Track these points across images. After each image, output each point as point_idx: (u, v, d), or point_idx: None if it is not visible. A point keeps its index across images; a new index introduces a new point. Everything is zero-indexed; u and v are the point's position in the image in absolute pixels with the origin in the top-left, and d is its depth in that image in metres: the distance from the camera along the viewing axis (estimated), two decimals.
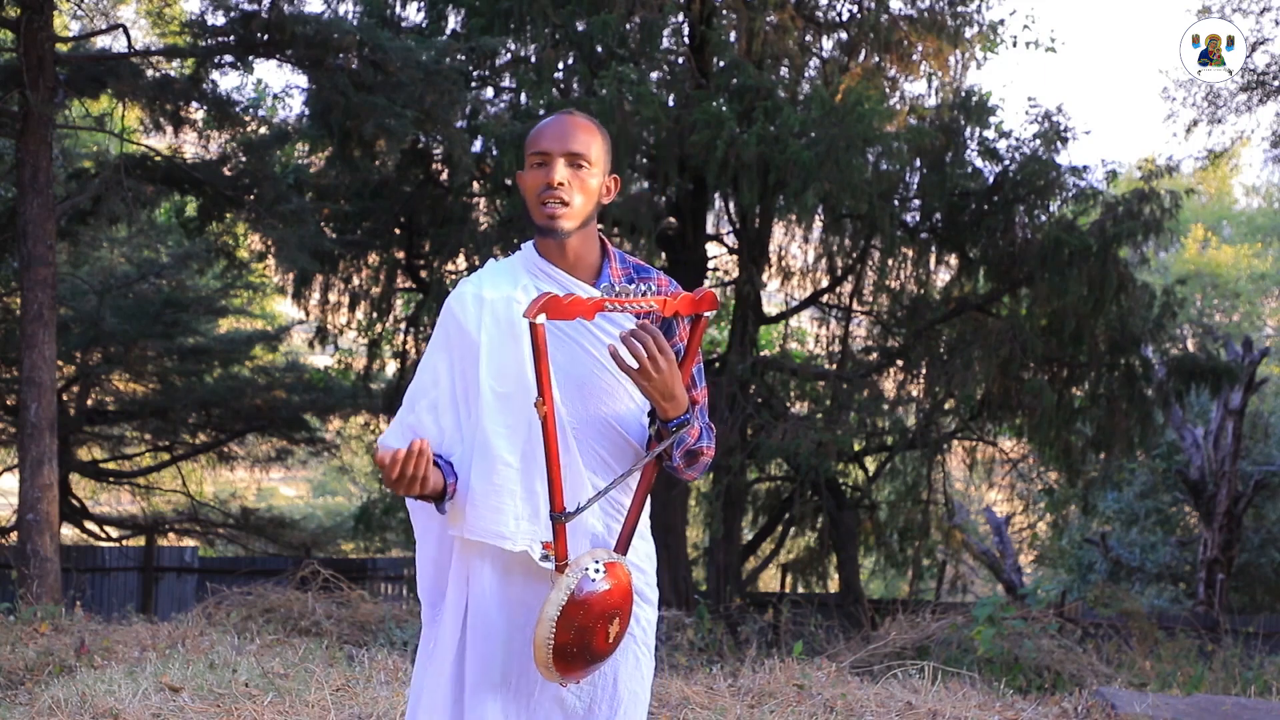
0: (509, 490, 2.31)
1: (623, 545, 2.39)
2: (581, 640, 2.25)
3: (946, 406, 13.22)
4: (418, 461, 2.21)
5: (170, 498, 16.53)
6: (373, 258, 13.19)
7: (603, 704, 2.44)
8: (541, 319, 2.21)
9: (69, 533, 14.73)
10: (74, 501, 14.47)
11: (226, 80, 28.41)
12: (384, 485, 2.27)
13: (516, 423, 2.32)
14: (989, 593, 18.06)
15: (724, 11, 11.92)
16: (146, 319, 13.20)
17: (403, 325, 14.12)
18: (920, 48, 12.36)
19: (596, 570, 2.28)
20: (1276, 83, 13.85)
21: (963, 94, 12.46)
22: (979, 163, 12.53)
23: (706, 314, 2.41)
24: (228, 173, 10.50)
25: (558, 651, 2.24)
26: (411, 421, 2.40)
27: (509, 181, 11.41)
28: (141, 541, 14.12)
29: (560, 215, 2.37)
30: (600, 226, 2.50)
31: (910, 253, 13.08)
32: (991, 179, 12.42)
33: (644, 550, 2.49)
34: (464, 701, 2.38)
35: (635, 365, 2.26)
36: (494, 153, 11.32)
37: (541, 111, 11.17)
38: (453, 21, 12.15)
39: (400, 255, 13.24)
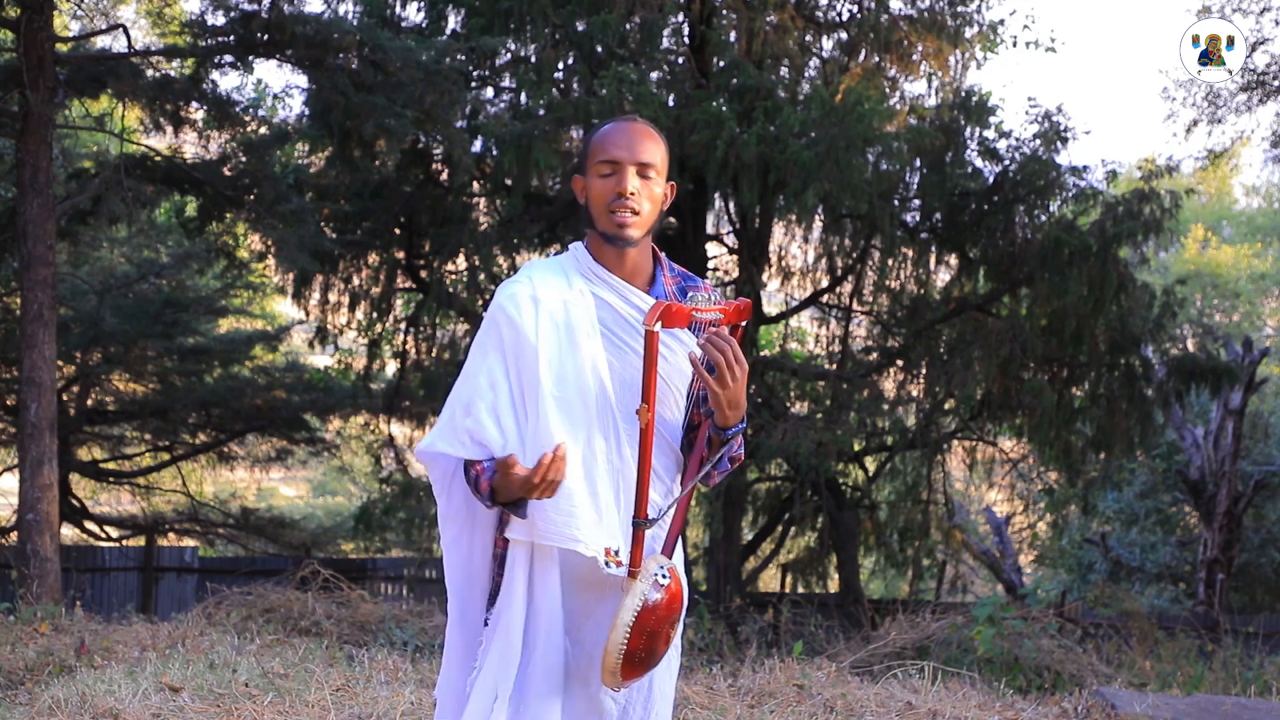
0: (579, 495, 2.32)
1: (669, 549, 2.41)
2: (650, 645, 2.27)
3: (946, 406, 13.21)
4: (560, 466, 2.23)
5: (170, 498, 16.53)
6: (373, 258, 13.18)
7: (637, 705, 2.45)
8: (658, 327, 2.24)
9: (69, 533, 14.73)
10: (74, 501, 14.46)
11: (226, 80, 28.45)
12: (517, 488, 2.25)
13: (575, 427, 2.33)
14: (989, 593, 18.05)
15: (724, 11, 11.92)
16: (146, 319, 13.20)
17: (403, 325, 14.12)
18: (920, 48, 12.35)
19: (663, 576, 2.30)
20: (1276, 83, 13.84)
21: (963, 94, 12.45)
22: (979, 163, 12.52)
23: (744, 323, 2.45)
24: (228, 173, 10.50)
25: (628, 657, 2.25)
26: (470, 426, 2.36)
27: (509, 181, 11.40)
28: (141, 541, 14.13)
29: (630, 224, 2.40)
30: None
31: (910, 253, 13.07)
32: (991, 179, 12.41)
33: (678, 554, 2.51)
34: (526, 709, 2.37)
35: (714, 372, 2.29)
36: (494, 153, 11.31)
37: (541, 112, 11.18)
38: (453, 21, 12.14)
39: (400, 255, 13.23)
